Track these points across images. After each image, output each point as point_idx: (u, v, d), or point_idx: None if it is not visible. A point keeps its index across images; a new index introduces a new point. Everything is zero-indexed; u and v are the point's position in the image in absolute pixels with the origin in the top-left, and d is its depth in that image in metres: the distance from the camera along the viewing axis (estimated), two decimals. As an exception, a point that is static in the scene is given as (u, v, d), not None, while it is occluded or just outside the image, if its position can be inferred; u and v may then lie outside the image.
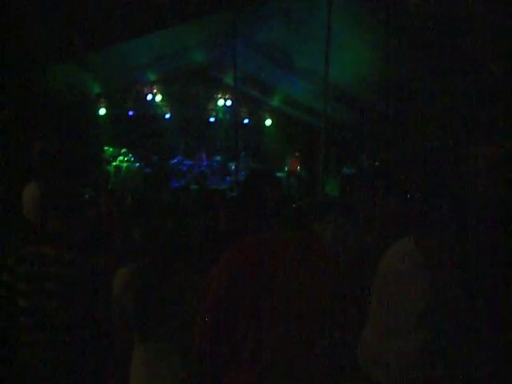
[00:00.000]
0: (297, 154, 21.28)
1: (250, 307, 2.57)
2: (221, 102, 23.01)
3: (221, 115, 23.65)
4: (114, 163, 19.95)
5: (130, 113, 22.40)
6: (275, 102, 22.69)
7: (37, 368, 3.82)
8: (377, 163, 20.47)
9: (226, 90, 22.79)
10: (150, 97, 22.21)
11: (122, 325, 3.42)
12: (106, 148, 20.36)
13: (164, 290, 3.28)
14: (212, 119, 23.74)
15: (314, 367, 2.60)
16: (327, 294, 2.64)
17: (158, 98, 22.25)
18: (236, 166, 19.69)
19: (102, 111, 21.66)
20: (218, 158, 22.03)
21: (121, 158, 20.06)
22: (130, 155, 20.42)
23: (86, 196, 11.72)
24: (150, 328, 3.29)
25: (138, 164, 20.63)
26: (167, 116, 23.15)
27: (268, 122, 24.09)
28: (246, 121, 23.84)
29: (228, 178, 21.53)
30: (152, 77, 21.61)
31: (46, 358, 3.81)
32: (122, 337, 3.45)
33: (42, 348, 3.81)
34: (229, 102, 22.58)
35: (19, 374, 3.88)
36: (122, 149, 20.53)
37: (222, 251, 2.78)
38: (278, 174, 20.53)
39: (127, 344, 3.42)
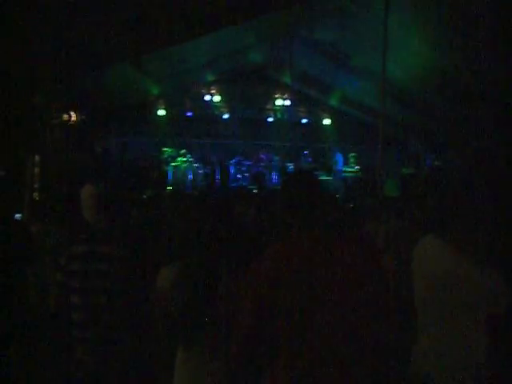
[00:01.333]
0: (353, 154, 21.03)
1: (290, 307, 2.53)
2: (279, 102, 22.97)
3: (279, 115, 23.62)
4: (173, 163, 20.06)
5: (189, 113, 22.62)
6: (333, 101, 22.59)
7: (88, 363, 3.87)
8: (436, 163, 20.19)
9: (284, 90, 22.74)
10: (208, 97, 22.39)
11: (165, 325, 3.42)
12: (164, 149, 20.50)
13: (212, 290, 3.26)
14: (270, 119, 23.75)
15: (356, 371, 2.55)
16: (370, 296, 2.58)
17: (216, 98, 22.39)
18: (294, 166, 19.67)
19: (161, 112, 21.91)
20: (277, 158, 21.95)
21: (180, 158, 20.15)
22: (189, 156, 20.51)
23: (145, 196, 11.81)
24: (196, 329, 3.27)
25: (196, 164, 20.68)
26: (225, 116, 23.29)
27: (326, 122, 23.91)
28: (304, 120, 23.76)
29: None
30: (210, 77, 21.77)
31: (97, 353, 3.86)
32: (166, 338, 3.45)
33: (93, 344, 3.86)
34: (287, 102, 22.48)
35: (71, 369, 3.94)
36: (180, 149, 20.64)
37: (260, 251, 2.75)
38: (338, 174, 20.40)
39: (171, 347, 3.42)
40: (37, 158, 12.83)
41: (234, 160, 21.55)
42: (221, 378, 3.22)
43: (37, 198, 11.83)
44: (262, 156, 21.65)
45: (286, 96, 22.66)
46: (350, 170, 20.48)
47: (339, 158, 21.02)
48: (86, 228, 4.23)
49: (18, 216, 6.34)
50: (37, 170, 12.88)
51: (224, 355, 3.20)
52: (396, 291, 3.55)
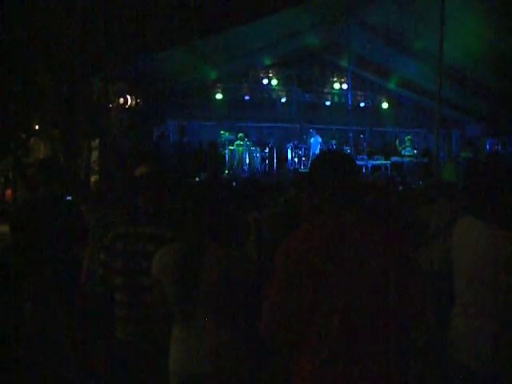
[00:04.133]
0: (409, 137, 20.77)
1: (316, 289, 2.56)
2: (336, 86, 22.84)
3: (336, 98, 23.50)
4: (231, 147, 20.18)
5: (246, 97, 22.67)
6: (391, 84, 22.34)
7: (129, 342, 3.97)
8: (497, 148, 19.82)
9: (341, 74, 22.61)
10: (265, 81, 22.41)
11: (162, 302, 3.51)
12: (222, 132, 20.60)
13: (201, 268, 3.36)
14: (328, 103, 23.63)
15: (381, 355, 2.56)
16: (392, 280, 2.57)
17: (274, 82, 22.37)
18: (350, 150, 19.55)
19: (219, 96, 22.03)
20: (334, 141, 21.81)
21: (237, 142, 20.23)
22: (246, 139, 20.57)
23: (197, 179, 11.95)
24: (189, 305, 3.37)
25: (253, 148, 20.74)
26: (283, 100, 23.26)
27: (384, 105, 23.71)
28: (362, 104, 23.59)
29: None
30: (267, 61, 21.75)
31: (137, 333, 3.95)
32: (162, 314, 3.53)
33: (133, 324, 3.96)
34: (345, 86, 22.34)
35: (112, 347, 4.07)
36: (238, 133, 20.72)
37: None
38: (395, 158, 20.21)
39: (167, 321, 3.51)
40: (96, 141, 13.08)
41: (290, 143, 21.52)
42: (215, 350, 3.33)
43: (95, 181, 12.08)
44: (318, 139, 21.53)
45: (343, 80, 22.53)
46: (406, 153, 20.24)
47: (315, 139, 20.98)
48: (132, 209, 4.32)
49: (69, 198, 6.49)
50: (96, 153, 13.14)
51: (220, 328, 3.34)
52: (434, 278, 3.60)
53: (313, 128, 22.01)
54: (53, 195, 5.37)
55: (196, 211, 3.51)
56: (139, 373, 3.80)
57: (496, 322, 3.26)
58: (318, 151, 20.78)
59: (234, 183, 11.65)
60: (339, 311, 2.53)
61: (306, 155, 21.18)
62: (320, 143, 21.06)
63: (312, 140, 21.13)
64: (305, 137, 21.80)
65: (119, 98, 14.18)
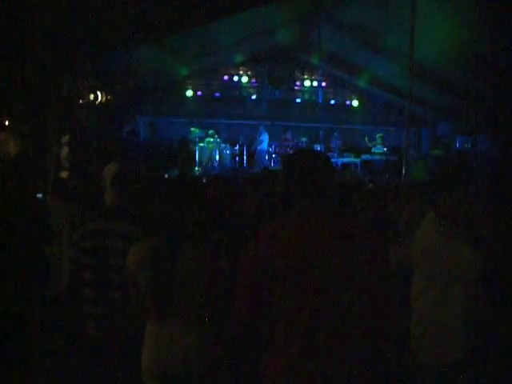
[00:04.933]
0: (380, 135, 20.89)
1: (283, 287, 2.56)
2: (307, 83, 22.87)
3: (307, 96, 23.54)
4: (201, 144, 20.11)
5: (217, 94, 22.65)
6: (362, 82, 22.41)
7: (97, 338, 3.94)
8: (467, 146, 20.01)
9: (312, 71, 22.67)
10: (236, 78, 22.40)
11: (135, 299, 3.47)
12: (192, 129, 20.53)
13: (176, 266, 3.32)
14: (298, 100, 23.66)
15: (349, 354, 2.56)
16: (369, 279, 2.58)
17: (244, 79, 22.37)
18: (321, 148, 19.61)
19: (189, 93, 21.99)
20: (304, 139, 21.85)
21: (208, 139, 20.19)
22: (216, 136, 20.54)
23: (166, 176, 11.91)
24: (164, 303, 3.33)
25: (223, 145, 20.71)
26: (253, 97, 23.26)
27: (355, 103, 23.79)
28: (332, 101, 23.64)
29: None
30: (238, 58, 21.76)
31: (106, 329, 3.92)
32: (136, 311, 3.51)
33: (103, 320, 3.92)
34: (315, 83, 22.42)
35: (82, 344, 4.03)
36: (208, 130, 20.70)
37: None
38: (365, 156, 20.32)
39: (140, 318, 3.48)
40: (65, 137, 12.95)
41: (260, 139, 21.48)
42: (188, 347, 3.30)
43: (63, 177, 11.97)
44: (288, 137, 21.55)
45: (314, 77, 22.59)
46: (377, 151, 20.35)
47: (264, 136, 21.08)
48: (102, 205, 4.28)
49: (39, 196, 6.42)
50: (66, 149, 13.02)
51: (193, 325, 3.32)
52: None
53: (284, 125, 22.11)
54: (23, 193, 5.28)
55: (169, 208, 3.47)
56: (110, 368, 3.78)
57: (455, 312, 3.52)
58: (266, 148, 21.03)
59: (203, 180, 11.65)
60: (306, 310, 2.53)
61: (276, 152, 21.23)
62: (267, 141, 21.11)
63: (262, 137, 21.09)
64: (254, 134, 21.76)
65: (89, 94, 14.05)
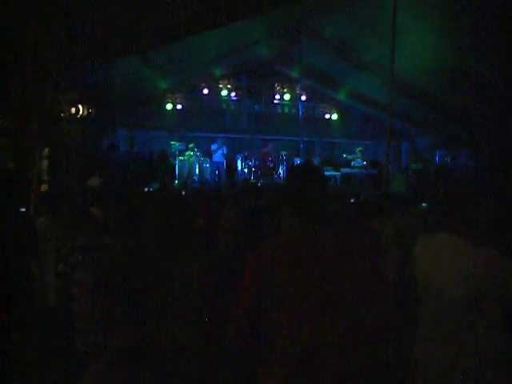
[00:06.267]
0: (360, 149, 21.02)
1: (285, 300, 2.56)
2: (287, 97, 22.91)
3: (287, 109, 23.61)
4: (181, 157, 20.06)
5: (197, 108, 22.66)
6: (341, 95, 22.53)
7: (88, 354, 3.90)
8: (447, 160, 20.18)
9: (292, 84, 22.71)
10: (216, 92, 22.39)
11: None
12: (172, 142, 20.48)
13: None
14: (278, 113, 23.70)
15: (349, 368, 2.55)
16: (367, 293, 2.59)
17: (224, 92, 22.36)
18: (301, 161, 19.64)
19: (169, 106, 21.95)
20: (284, 152, 21.87)
21: (188, 152, 20.15)
22: (196, 150, 20.51)
23: (150, 189, 11.86)
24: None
25: (203, 158, 20.67)
26: (233, 111, 23.32)
27: (334, 116, 23.89)
28: (312, 115, 23.68)
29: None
30: (218, 72, 21.77)
31: (96, 344, 3.89)
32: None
33: (92, 335, 3.89)
34: (295, 97, 22.48)
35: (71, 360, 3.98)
36: (188, 143, 20.67)
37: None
38: (345, 169, 20.38)
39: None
40: (46, 150, 12.87)
41: (240, 154, 21.50)
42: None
43: (44, 191, 11.89)
44: (268, 150, 21.58)
45: (293, 91, 22.65)
46: (356, 164, 20.44)
47: (215, 148, 21.20)
48: (88, 220, 4.26)
49: (22, 209, 6.38)
50: (46, 162, 12.94)
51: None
52: (397, 286, 3.58)
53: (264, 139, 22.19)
54: (7, 206, 5.23)
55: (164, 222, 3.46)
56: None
57: (454, 349, 3.19)
58: (219, 160, 21.07)
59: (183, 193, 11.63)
60: (307, 323, 2.53)
61: (257, 166, 21.23)
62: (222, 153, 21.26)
63: (213, 149, 21.18)
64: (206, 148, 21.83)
65: (71, 107, 14.00)
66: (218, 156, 20.98)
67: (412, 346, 3.42)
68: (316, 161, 21.00)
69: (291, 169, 3.04)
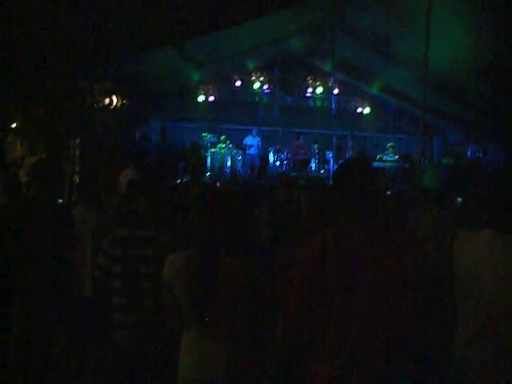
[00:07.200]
0: (392, 144, 20.80)
1: (335, 295, 2.55)
2: (319, 90, 22.83)
3: (319, 102, 23.57)
4: (212, 150, 20.11)
5: (229, 99, 22.71)
6: (374, 89, 22.39)
7: (127, 347, 3.92)
8: (479, 154, 19.96)
9: (325, 78, 22.61)
10: (248, 84, 22.36)
11: (172, 308, 3.45)
12: (204, 134, 20.50)
13: (215, 276, 3.30)
14: (310, 106, 23.68)
15: (397, 362, 2.54)
16: (414, 288, 2.58)
17: (257, 85, 22.31)
18: (333, 154, 19.56)
19: (201, 98, 21.98)
20: (316, 145, 21.79)
21: (220, 144, 20.19)
22: (228, 142, 20.50)
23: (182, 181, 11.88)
24: (202, 313, 3.30)
25: (235, 151, 20.67)
26: (265, 103, 23.32)
27: (366, 110, 23.78)
28: (344, 108, 23.55)
29: (326, 166, 21.20)
30: (251, 64, 21.73)
31: (136, 339, 3.91)
32: (173, 320, 3.48)
33: (132, 329, 3.91)
34: (328, 90, 22.37)
35: (112, 353, 4.01)
36: (220, 135, 20.70)
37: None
38: (377, 163, 20.22)
39: (177, 326, 3.45)
40: (77, 141, 12.94)
41: (272, 147, 21.47)
42: (228, 357, 3.27)
43: (77, 181, 11.97)
44: (300, 143, 21.52)
45: (326, 84, 22.55)
46: (389, 158, 20.27)
47: (249, 141, 21.18)
48: (127, 212, 4.29)
49: (59, 200, 6.42)
50: (77, 153, 13.00)
51: (233, 335, 3.28)
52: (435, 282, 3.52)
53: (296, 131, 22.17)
54: (43, 198, 5.26)
55: (208, 216, 3.45)
56: (139, 379, 3.77)
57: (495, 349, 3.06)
58: (254, 152, 21.12)
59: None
60: (357, 318, 2.53)
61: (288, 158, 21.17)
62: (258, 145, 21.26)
63: (247, 142, 21.22)
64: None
65: (104, 97, 14.06)
66: (253, 148, 20.98)
67: (449, 346, 3.31)
68: (348, 154, 20.89)
69: (343, 163, 3.00)
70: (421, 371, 2.63)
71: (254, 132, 21.22)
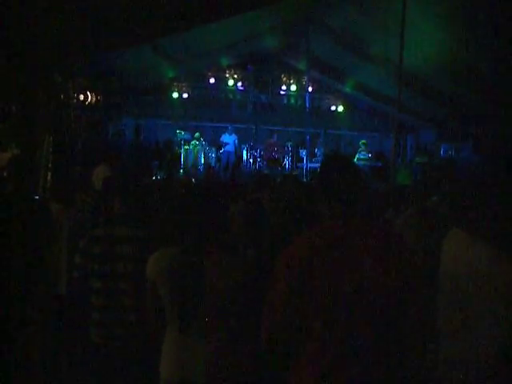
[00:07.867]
0: (363, 141, 20.92)
1: (318, 296, 2.55)
2: (293, 88, 22.92)
3: (293, 100, 23.61)
4: (186, 147, 20.06)
5: (203, 97, 22.69)
6: (348, 88, 22.47)
7: (105, 346, 3.92)
8: (451, 153, 20.13)
9: (298, 76, 22.71)
10: (222, 81, 22.43)
11: (154, 307, 3.46)
12: (178, 131, 20.44)
13: (197, 274, 3.30)
14: (284, 104, 23.72)
15: (382, 365, 2.57)
16: (399, 286, 2.57)
17: (230, 82, 22.38)
18: (307, 152, 19.62)
19: (175, 95, 21.94)
20: (290, 143, 21.85)
21: (193, 141, 20.13)
22: (202, 139, 20.48)
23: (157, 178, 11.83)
24: (186, 313, 3.30)
25: (208, 148, 20.64)
26: (239, 100, 23.32)
27: (340, 109, 23.89)
28: (318, 106, 23.63)
29: (299, 164, 21.25)
30: (225, 62, 21.74)
31: (113, 337, 3.90)
32: (154, 319, 3.49)
33: (110, 327, 3.90)
34: (301, 88, 22.44)
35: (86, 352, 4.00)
36: (194, 132, 20.67)
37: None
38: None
39: (159, 323, 3.46)
40: (50, 137, 12.81)
41: (246, 145, 21.49)
42: (210, 357, 3.28)
43: (49, 178, 11.86)
44: (274, 141, 21.56)
45: (300, 82, 22.63)
46: (362, 157, 20.37)
47: (225, 138, 21.23)
48: (103, 210, 4.28)
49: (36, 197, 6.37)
50: (49, 150, 12.88)
51: (216, 335, 3.29)
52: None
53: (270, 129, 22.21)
54: (20, 194, 5.21)
55: (191, 213, 3.46)
56: (114, 376, 3.76)
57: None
58: (231, 149, 21.15)
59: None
60: (341, 320, 2.53)
61: (262, 157, 21.17)
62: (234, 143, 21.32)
63: (223, 139, 21.28)
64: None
65: (79, 94, 13.98)
66: (230, 145, 21.01)
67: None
68: (320, 152, 20.97)
69: (325, 161, 2.96)
70: (408, 369, 2.63)
71: (230, 129, 21.18)
